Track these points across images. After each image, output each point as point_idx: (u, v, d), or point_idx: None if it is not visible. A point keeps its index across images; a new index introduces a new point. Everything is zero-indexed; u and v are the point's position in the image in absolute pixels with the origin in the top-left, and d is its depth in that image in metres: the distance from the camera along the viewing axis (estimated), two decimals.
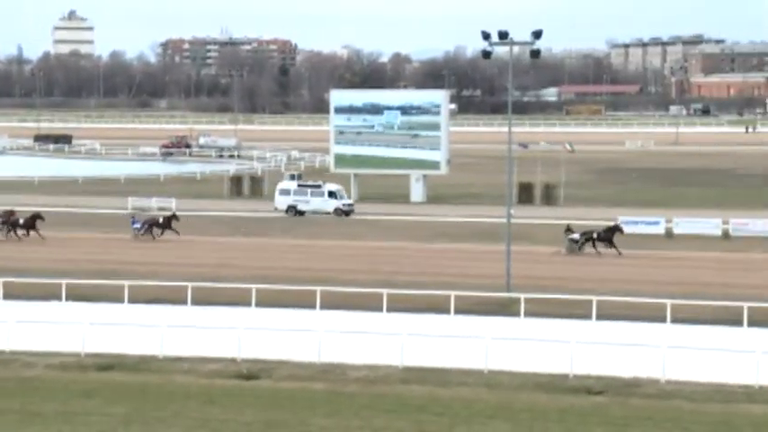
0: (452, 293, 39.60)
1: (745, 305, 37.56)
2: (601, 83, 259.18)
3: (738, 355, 31.81)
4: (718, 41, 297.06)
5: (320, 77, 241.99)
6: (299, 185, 74.36)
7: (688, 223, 63.81)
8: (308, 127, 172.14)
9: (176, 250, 56.05)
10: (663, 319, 37.55)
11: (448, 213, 72.29)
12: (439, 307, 39.41)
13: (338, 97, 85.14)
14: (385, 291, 40.13)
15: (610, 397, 29.98)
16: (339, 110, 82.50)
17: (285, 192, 73.92)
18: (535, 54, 45.38)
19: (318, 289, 40.39)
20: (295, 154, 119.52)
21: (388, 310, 39.26)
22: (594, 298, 38.68)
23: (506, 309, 40.13)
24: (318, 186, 73.46)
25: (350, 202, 73.78)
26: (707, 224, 63.34)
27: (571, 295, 40.71)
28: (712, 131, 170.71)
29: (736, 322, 37.24)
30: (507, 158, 46.78)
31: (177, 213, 62.83)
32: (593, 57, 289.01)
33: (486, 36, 44.28)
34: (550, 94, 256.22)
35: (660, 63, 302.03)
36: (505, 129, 46.28)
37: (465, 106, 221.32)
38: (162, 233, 60.56)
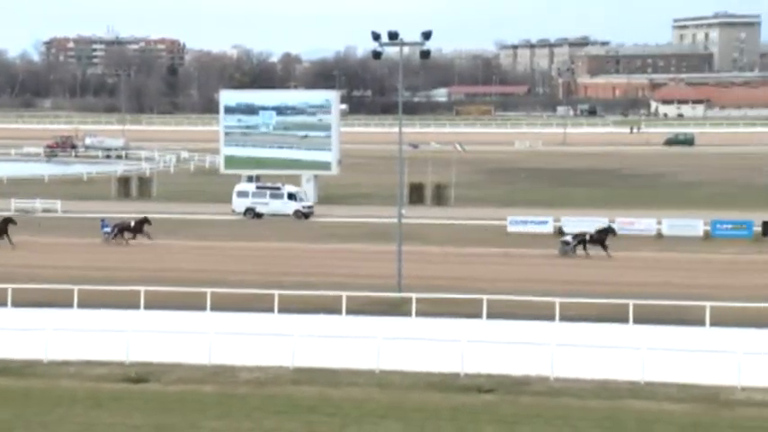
0: (344, 294, 39.59)
1: (631, 302, 38.19)
2: (490, 83, 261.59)
3: (624, 351, 32.34)
4: (604, 43, 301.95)
5: (209, 77, 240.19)
6: (257, 187, 73.55)
7: (575, 223, 64.64)
8: (197, 127, 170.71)
9: (58, 254, 55.16)
10: (552, 318, 37.99)
11: (339, 214, 72.29)
12: (330, 307, 39.36)
13: (228, 97, 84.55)
14: (276, 292, 39.96)
15: (500, 395, 30.24)
16: (229, 110, 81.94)
17: (243, 194, 72.92)
18: (425, 55, 45.59)
19: (209, 291, 40.06)
20: (185, 155, 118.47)
21: (280, 311, 39.10)
22: (485, 297, 38.99)
23: (398, 308, 40.24)
24: (278, 188, 72.62)
25: (310, 204, 72.79)
26: (594, 223, 64.21)
27: (462, 294, 40.98)
28: (598, 132, 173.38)
29: (622, 319, 37.85)
30: (398, 159, 46.94)
31: (149, 217, 60.92)
32: (482, 58, 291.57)
33: (376, 37, 44.38)
34: (441, 94, 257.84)
35: (548, 64, 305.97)
36: (396, 129, 46.42)
37: (356, 107, 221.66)
38: (134, 237, 59.13)
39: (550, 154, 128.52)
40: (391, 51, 50.60)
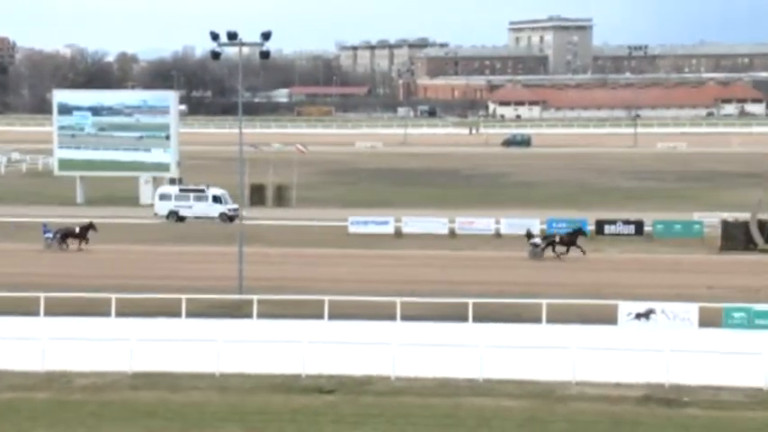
0: (183, 297, 39.15)
1: (470, 301, 38.70)
2: (331, 84, 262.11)
3: (463, 350, 32.76)
4: (443, 45, 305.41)
5: (42, 77, 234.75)
6: (180, 190, 71.80)
7: (416, 222, 65.29)
8: (29, 128, 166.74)
9: None
10: (393, 317, 38.25)
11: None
12: (170, 310, 38.87)
13: (61, 97, 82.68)
14: (114, 295, 39.28)
15: (342, 395, 30.30)
16: (63, 110, 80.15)
17: (166, 197, 71.10)
18: (265, 55, 45.41)
19: (42, 295, 39.12)
20: (16, 156, 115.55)
21: (117, 314, 38.44)
22: (327, 298, 39.01)
23: (239, 311, 39.98)
24: (202, 191, 70.96)
25: (235, 206, 70.25)
26: (434, 223, 64.98)
27: (304, 296, 40.94)
28: (438, 132, 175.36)
29: (462, 318, 38.34)
30: (239, 160, 46.63)
31: (94, 222, 58.65)
32: (322, 59, 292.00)
33: (214, 37, 43.99)
34: (281, 95, 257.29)
35: (388, 65, 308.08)
36: (237, 130, 46.09)
37: (195, 107, 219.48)
38: (80, 243, 57.22)
39: (391, 154, 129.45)
40: (231, 52, 50.34)
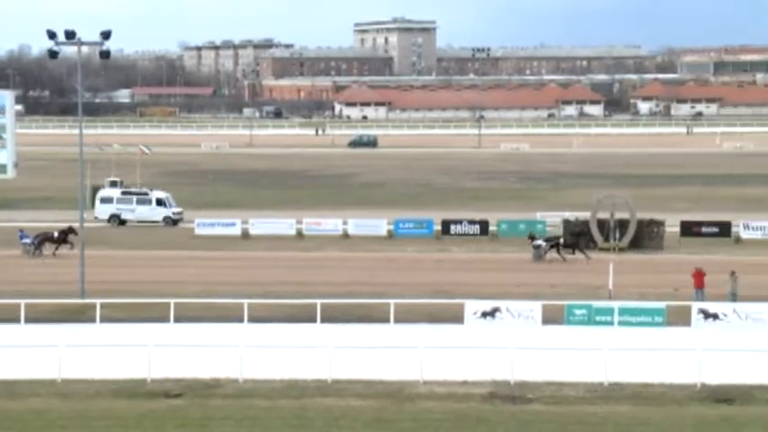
0: (22, 302, 38.24)
1: (319, 302, 38.76)
2: (174, 85, 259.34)
3: (312, 350, 32.78)
4: (288, 46, 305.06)
5: None
6: (122, 193, 69.54)
7: (263, 224, 65.06)
8: None
9: None
10: (241, 319, 38.05)
11: (20, 218, 69.76)
12: (9, 317, 37.92)
13: None
14: None
15: (189, 399, 30.01)
16: None
17: (107, 200, 68.70)
18: (105, 55, 44.62)
19: None
20: None
21: None
22: (172, 300, 38.58)
23: (82, 315, 39.24)
24: (145, 194, 68.77)
25: (179, 210, 68.73)
26: (282, 224, 64.83)
27: (149, 299, 40.42)
28: (285, 133, 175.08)
29: (311, 319, 38.36)
30: (79, 161, 45.80)
31: (74, 226, 56.05)
32: (166, 59, 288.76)
33: (51, 35, 43.05)
34: (123, 95, 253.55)
35: (233, 66, 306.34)
36: (77, 131, 45.22)
37: (33, 107, 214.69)
38: (57, 249, 55.04)
39: (237, 156, 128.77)
40: (69, 51, 49.34)
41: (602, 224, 58.43)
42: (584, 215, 61.10)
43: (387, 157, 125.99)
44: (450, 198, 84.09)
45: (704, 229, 61.69)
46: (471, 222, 64.27)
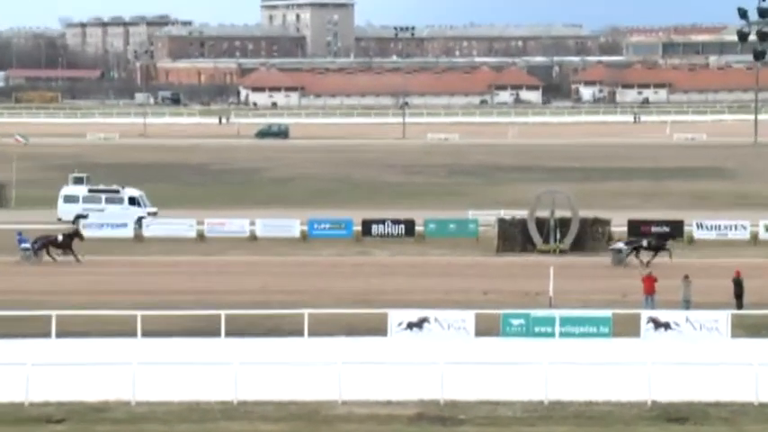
0: None
1: (223, 313, 38.56)
2: (56, 67, 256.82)
3: (215, 368, 32.58)
4: (186, 23, 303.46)
5: None
6: (89, 191, 68.52)
7: (160, 225, 64.65)
8: None
9: None
10: (133, 334, 37.73)
11: None
12: None
13: None
14: None
15: (73, 425, 29.71)
16: None
17: (71, 199, 67.57)
18: None
19: None
20: None
21: None
22: (54, 312, 38.13)
23: None
24: (116, 192, 67.85)
25: (154, 209, 67.74)
26: (180, 225, 64.42)
27: (27, 311, 39.90)
28: (183, 122, 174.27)
29: (214, 332, 38.15)
30: None
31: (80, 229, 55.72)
32: (45, 37, 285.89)
33: None
34: None
35: (123, 45, 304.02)
36: None
37: None
38: (64, 254, 54.40)
39: (129, 147, 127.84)
40: None
41: (540, 223, 58.85)
42: (520, 213, 61.50)
43: (299, 150, 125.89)
44: (371, 195, 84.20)
45: (654, 229, 62.35)
46: (395, 222, 64.39)
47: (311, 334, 38.36)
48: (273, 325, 39.95)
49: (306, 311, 38.97)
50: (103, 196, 68.34)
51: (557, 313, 39.90)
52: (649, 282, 43.51)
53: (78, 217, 65.22)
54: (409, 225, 64.22)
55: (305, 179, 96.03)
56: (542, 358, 32.83)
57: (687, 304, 42.41)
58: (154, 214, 67.38)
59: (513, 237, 59.08)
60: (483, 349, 36.79)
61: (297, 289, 48.05)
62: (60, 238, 55.73)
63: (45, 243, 55.47)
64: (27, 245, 55.39)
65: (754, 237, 62.07)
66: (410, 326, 39.14)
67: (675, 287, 43.33)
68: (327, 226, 63.95)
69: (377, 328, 39.30)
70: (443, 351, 35.10)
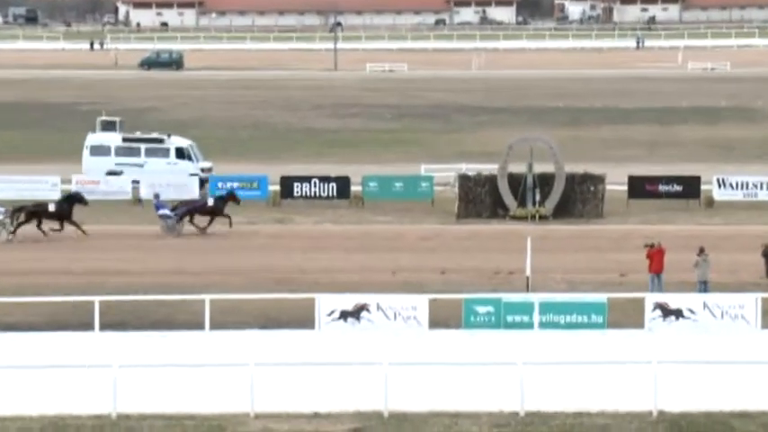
0: None
1: (97, 299, 38.63)
2: None
3: (87, 371, 32.56)
4: None
5: None
6: (125, 140, 68.70)
7: (9, 184, 64.37)
8: None
9: None
10: None
11: None
12: None
13: None
14: None
15: None
16: None
17: (101, 150, 67.61)
18: None
19: None
20: None
21: None
22: None
23: None
24: (159, 141, 68.41)
25: (209, 164, 68.29)
26: (40, 184, 64.36)
27: None
28: (43, 48, 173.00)
29: (85, 324, 38.19)
30: None
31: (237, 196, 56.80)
32: None
33: None
34: None
35: None
36: None
37: None
38: (210, 222, 55.48)
39: None
40: None
41: (515, 181, 58.99)
42: (488, 168, 61.61)
43: (198, 85, 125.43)
44: (293, 145, 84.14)
45: (662, 188, 62.72)
46: (325, 180, 64.35)
47: (214, 326, 38.32)
48: (165, 315, 39.92)
49: (207, 297, 38.93)
50: (143, 147, 68.91)
51: (535, 298, 40.08)
52: (657, 257, 43.72)
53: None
54: (342, 184, 64.15)
55: (206, 124, 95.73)
56: (517, 357, 32.98)
57: (704, 286, 42.72)
58: (209, 170, 67.91)
59: (479, 199, 59.20)
60: (440, 345, 36.90)
61: (195, 268, 48.01)
62: (211, 202, 56.88)
63: (188, 210, 56.23)
64: (166, 211, 55.84)
65: None
66: (344, 315, 39.22)
67: (689, 264, 43.62)
68: (235, 185, 63.74)
69: (301, 318, 39.34)
70: (388, 348, 35.16)
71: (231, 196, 57.72)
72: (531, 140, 61.94)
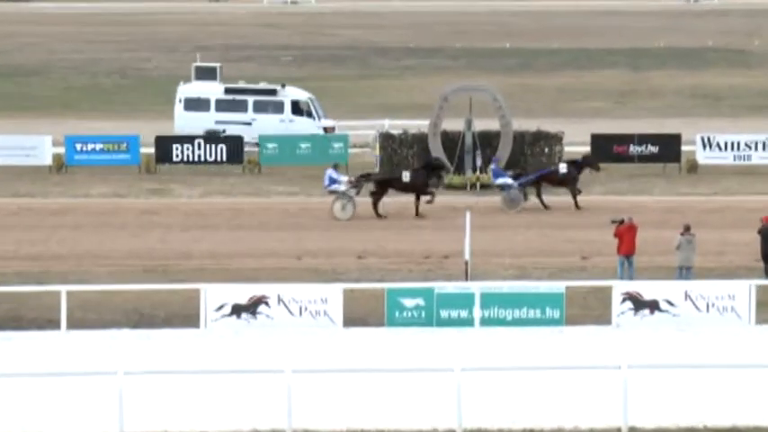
0: None
1: None
2: None
3: None
4: None
5: None
6: (226, 90, 69.83)
7: None
8: None
9: None
10: None
11: None
12: None
13: None
14: None
15: None
16: None
17: (197, 104, 68.47)
18: None
19: None
20: None
21: None
22: None
23: None
24: (272, 92, 69.72)
25: (332, 122, 69.43)
26: None
27: None
28: None
29: None
30: None
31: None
32: None
33: None
34: None
35: None
36: None
37: None
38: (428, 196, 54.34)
39: None
40: None
41: (450, 141, 59.21)
42: (417, 124, 61.80)
43: (47, 20, 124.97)
44: (168, 96, 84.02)
45: (634, 149, 63.13)
46: (211, 140, 64.38)
47: (73, 325, 38.32)
48: (8, 311, 39.82)
49: (63, 288, 38.88)
50: (250, 100, 69.70)
51: (476, 288, 40.27)
52: (628, 235, 43.88)
53: None
54: (234, 145, 64.24)
55: (55, 70, 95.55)
56: (453, 361, 33.15)
57: (686, 272, 43.02)
58: (332, 130, 68.62)
59: (406, 163, 59.40)
60: (357, 347, 37.04)
61: (48, 251, 47.94)
62: (408, 175, 55.51)
63: (382, 182, 55.78)
64: (341, 185, 55.30)
65: None
66: (237, 311, 39.29)
67: (667, 244, 43.92)
68: (98, 146, 63.70)
69: (183, 314, 39.41)
70: (291, 352, 35.27)
71: (437, 163, 56.88)
72: (471, 90, 62.24)
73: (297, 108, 70.17)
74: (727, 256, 45.83)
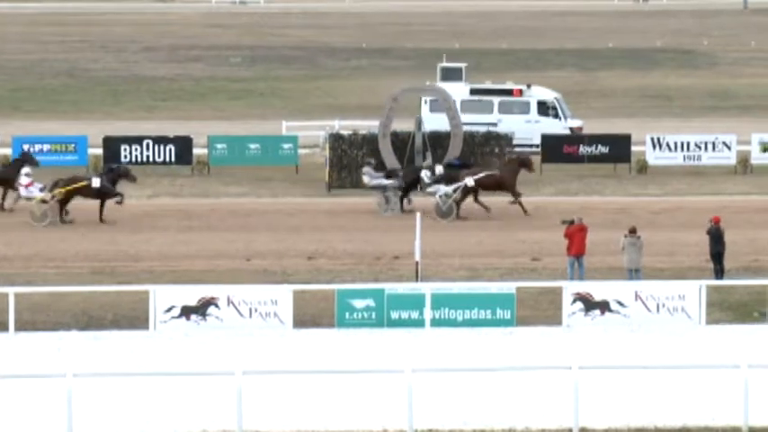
0: None
1: None
2: None
3: None
4: None
5: None
6: (472, 91, 69.88)
7: None
8: None
9: None
10: None
11: None
12: None
13: None
14: None
15: None
16: None
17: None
18: None
19: None
20: None
21: None
22: None
23: None
24: (508, 92, 69.91)
25: (579, 122, 69.22)
26: None
27: None
28: None
29: None
30: None
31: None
32: None
33: None
34: None
35: None
36: None
37: None
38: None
39: None
40: None
41: (401, 142, 59.24)
42: (367, 125, 61.77)
43: None
44: (119, 97, 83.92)
45: (584, 150, 63.24)
46: (160, 141, 64.31)
47: (21, 327, 38.22)
48: None
49: (11, 290, 38.76)
50: (496, 101, 69.45)
51: (427, 289, 40.29)
52: (578, 236, 43.99)
53: None
54: (182, 146, 64.14)
55: (6, 70, 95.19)
56: (403, 363, 33.16)
57: (635, 273, 43.13)
58: (579, 130, 68.08)
59: (356, 164, 59.37)
60: (307, 349, 37.03)
61: None
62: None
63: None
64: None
65: (743, 161, 63.27)
66: (186, 312, 39.25)
67: (618, 244, 44.01)
68: (46, 147, 63.55)
69: (131, 316, 39.34)
70: (241, 353, 35.19)
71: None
72: (421, 91, 62.29)
73: (543, 108, 69.76)
74: (677, 256, 46.01)
